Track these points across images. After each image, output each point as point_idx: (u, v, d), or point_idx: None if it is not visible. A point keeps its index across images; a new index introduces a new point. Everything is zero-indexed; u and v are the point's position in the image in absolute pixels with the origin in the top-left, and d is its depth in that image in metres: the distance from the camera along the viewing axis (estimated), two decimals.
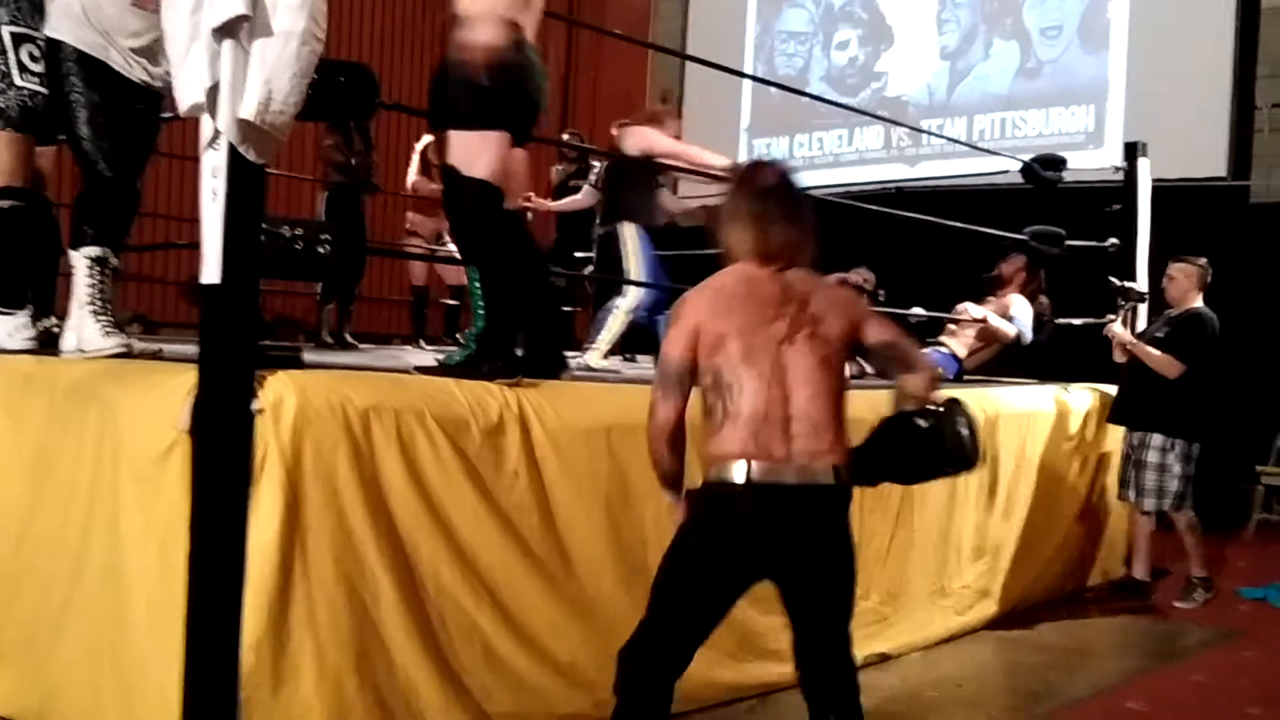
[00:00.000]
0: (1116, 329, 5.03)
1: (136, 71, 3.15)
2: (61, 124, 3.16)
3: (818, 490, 2.18)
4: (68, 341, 3.07)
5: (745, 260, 2.29)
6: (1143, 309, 5.39)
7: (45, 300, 3.48)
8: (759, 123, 9.92)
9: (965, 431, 2.36)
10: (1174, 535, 4.93)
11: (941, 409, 2.37)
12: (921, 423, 2.36)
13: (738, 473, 2.15)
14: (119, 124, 3.11)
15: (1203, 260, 4.94)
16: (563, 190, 6.73)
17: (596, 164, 6.93)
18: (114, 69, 3.10)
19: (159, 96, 3.23)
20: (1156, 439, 4.76)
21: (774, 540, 2.17)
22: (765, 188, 2.33)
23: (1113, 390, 5.16)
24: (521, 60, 3.02)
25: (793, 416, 2.17)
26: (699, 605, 2.22)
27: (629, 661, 2.20)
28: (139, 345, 3.10)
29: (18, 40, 3.23)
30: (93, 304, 3.03)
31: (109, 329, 3.01)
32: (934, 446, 2.36)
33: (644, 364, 6.07)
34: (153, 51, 3.15)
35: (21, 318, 3.33)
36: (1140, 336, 5.01)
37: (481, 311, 3.09)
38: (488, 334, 3.01)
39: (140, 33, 3.14)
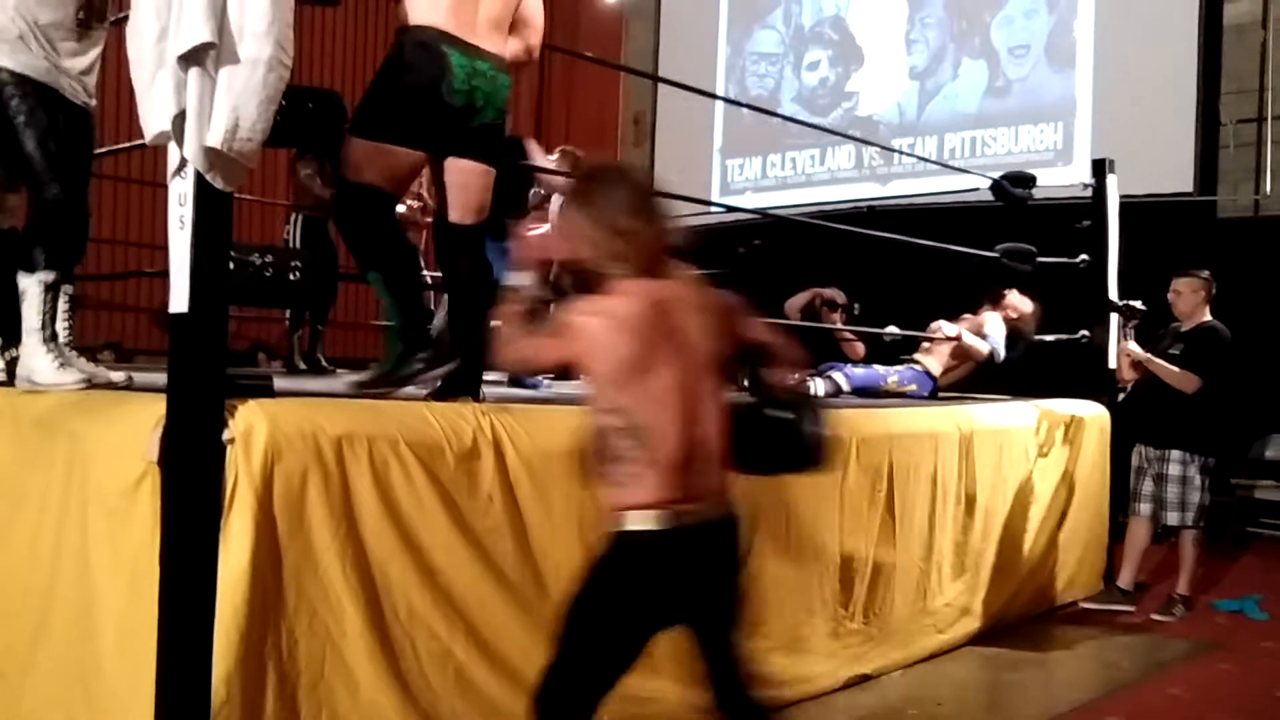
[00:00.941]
0: (1133, 347, 5.04)
1: (80, 95, 3.09)
2: (3, 148, 3.04)
3: (730, 522, 2.13)
4: (19, 369, 3.00)
5: (624, 277, 2.07)
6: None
7: (12, 329, 3.41)
8: (731, 144, 9.97)
9: (818, 430, 2.30)
10: (1163, 550, 4.95)
11: (798, 404, 2.32)
12: (775, 414, 2.29)
13: (659, 520, 2.02)
14: (68, 147, 3.03)
15: (1206, 272, 5.00)
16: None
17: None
18: (62, 94, 3.03)
19: (92, 115, 3.18)
20: (1176, 453, 4.81)
21: (697, 582, 2.10)
22: (629, 192, 2.11)
23: (1085, 405, 5.19)
24: (414, 60, 2.90)
25: (701, 454, 2.06)
26: (619, 658, 2.12)
27: (545, 713, 2.10)
28: (106, 374, 3.05)
29: None
30: (43, 330, 2.95)
31: (63, 361, 2.94)
32: (785, 441, 2.29)
33: None
34: (90, 69, 3.11)
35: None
36: (1152, 352, 5.03)
37: (395, 310, 3.05)
38: (407, 329, 3.01)
39: (84, 53, 3.09)
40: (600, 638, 2.10)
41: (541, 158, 4.95)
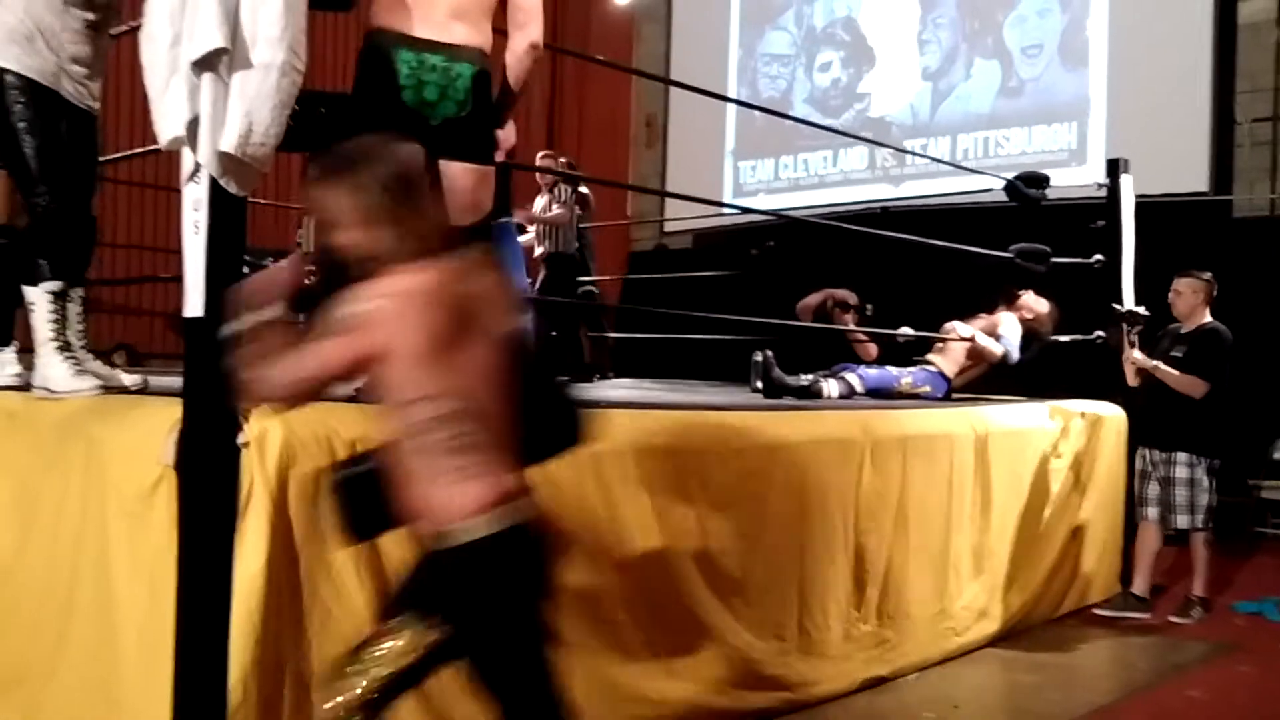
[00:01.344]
0: (1138, 355, 4.98)
1: (85, 99, 3.10)
2: (3, 152, 3.04)
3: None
4: (35, 378, 2.99)
5: (404, 258, 1.86)
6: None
7: (3, 331, 3.42)
8: (743, 145, 9.97)
9: (579, 403, 2.20)
10: (1175, 552, 4.92)
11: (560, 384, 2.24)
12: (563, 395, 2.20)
13: (512, 515, 1.83)
14: (67, 153, 3.02)
15: (1208, 274, 4.96)
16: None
17: (584, 189, 6.96)
18: (64, 97, 3.02)
19: (95, 119, 3.18)
20: (1183, 456, 4.77)
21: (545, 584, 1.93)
22: (399, 168, 1.91)
23: (1101, 406, 5.16)
24: (365, 66, 2.86)
25: (510, 443, 1.89)
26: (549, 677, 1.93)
27: None
28: (120, 378, 3.05)
29: None
30: (57, 340, 2.95)
31: (79, 368, 2.94)
32: (560, 422, 2.16)
33: (620, 383, 6.08)
34: (95, 73, 3.11)
35: (7, 354, 3.31)
36: (1153, 354, 4.99)
37: None
38: None
39: (90, 56, 3.08)
40: (522, 667, 1.89)
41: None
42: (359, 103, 2.90)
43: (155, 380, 3.18)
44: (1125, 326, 5.13)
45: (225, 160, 2.27)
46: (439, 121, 2.90)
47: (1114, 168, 5.72)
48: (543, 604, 1.93)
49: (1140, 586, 4.96)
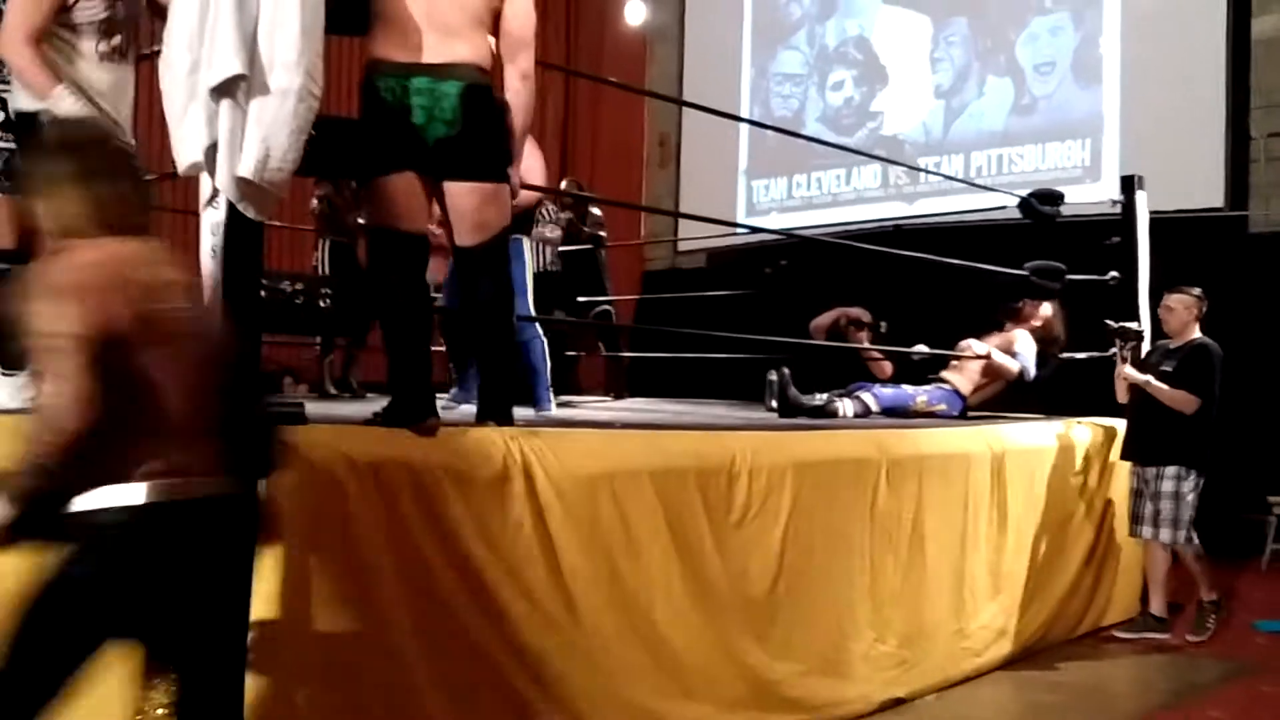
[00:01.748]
0: (1130, 371, 4.92)
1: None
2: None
3: (231, 503, 1.90)
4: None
5: (89, 232, 1.84)
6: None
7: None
8: (756, 165, 9.98)
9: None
10: (1184, 568, 4.88)
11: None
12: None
13: (149, 493, 1.78)
14: None
15: (1198, 290, 4.93)
16: (569, 240, 6.73)
17: (597, 210, 6.97)
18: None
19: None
20: (1170, 469, 4.72)
21: (178, 575, 1.84)
22: (89, 143, 1.94)
23: (1118, 424, 5.14)
24: (362, 98, 2.89)
25: (196, 425, 1.84)
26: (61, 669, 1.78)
27: None
28: None
29: None
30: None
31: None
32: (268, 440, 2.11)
33: (635, 403, 6.07)
34: (117, 103, 3.17)
35: (23, 378, 3.34)
36: (1143, 370, 4.95)
37: (391, 360, 3.01)
38: (394, 375, 2.94)
39: (108, 88, 3.10)
40: (48, 640, 1.77)
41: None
42: (364, 133, 2.91)
43: None
44: (1118, 342, 5.07)
45: (243, 185, 2.29)
46: (434, 143, 2.88)
47: (1129, 184, 5.71)
48: (200, 583, 1.85)
49: (1157, 606, 4.90)
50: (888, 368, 5.81)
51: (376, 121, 2.87)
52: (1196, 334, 4.88)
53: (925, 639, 3.94)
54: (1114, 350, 5.15)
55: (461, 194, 2.97)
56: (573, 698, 2.80)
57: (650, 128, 11.09)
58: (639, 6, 10.99)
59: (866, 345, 5.80)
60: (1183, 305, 4.89)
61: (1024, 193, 5.63)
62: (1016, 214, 5.64)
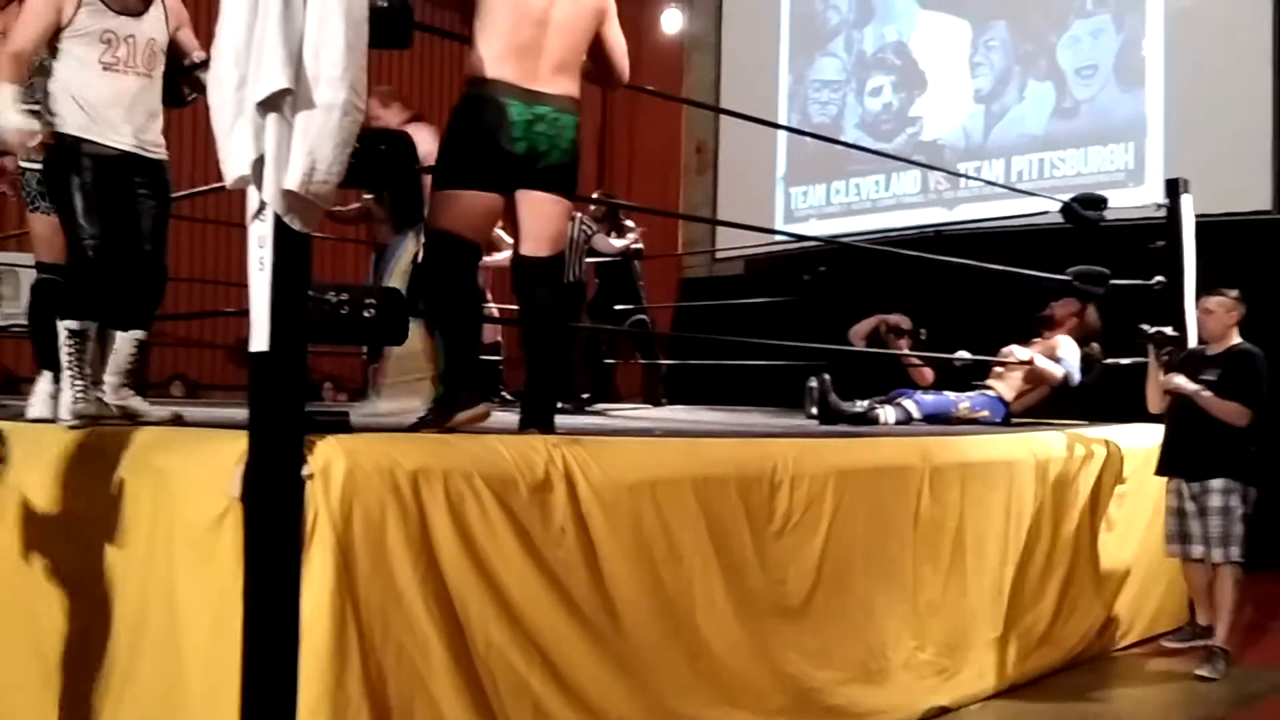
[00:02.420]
0: (1181, 381, 4.54)
1: (125, 140, 3.23)
2: (57, 208, 3.27)
3: None
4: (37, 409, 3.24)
5: None
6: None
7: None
8: (795, 171, 9.96)
9: None
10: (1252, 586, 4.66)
11: None
12: None
13: None
14: (112, 205, 3.20)
15: (1236, 291, 4.67)
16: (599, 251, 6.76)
17: (629, 221, 6.98)
18: (102, 144, 3.18)
19: (160, 163, 3.31)
20: (1218, 483, 4.43)
21: None
22: None
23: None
24: (476, 114, 3.06)
25: None
26: None
27: None
28: (139, 409, 3.21)
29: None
30: (69, 371, 3.16)
31: (82, 398, 3.14)
32: None
33: (675, 410, 6.08)
34: (127, 112, 3.24)
35: (53, 386, 3.40)
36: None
37: (443, 354, 3.15)
38: (449, 374, 3.11)
39: (111, 96, 3.21)
40: None
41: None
42: (463, 146, 3.07)
43: (213, 412, 3.26)
44: (1151, 349, 4.79)
45: (289, 198, 2.32)
46: (543, 167, 3.11)
47: (1173, 187, 5.64)
48: None
49: (1205, 617, 4.72)
50: (929, 374, 5.78)
51: (493, 139, 3.04)
52: (1237, 339, 4.62)
53: (968, 647, 3.91)
54: (1025, 351, 4.95)
55: (547, 208, 3.17)
56: (613, 706, 2.81)
57: (687, 135, 11.10)
58: (675, 15, 11.02)
59: (907, 352, 5.77)
60: (1223, 308, 4.62)
61: (1066, 197, 5.57)
62: (1059, 219, 5.58)
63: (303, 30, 2.34)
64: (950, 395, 5.33)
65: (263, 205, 2.34)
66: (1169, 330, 4.90)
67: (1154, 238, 5.64)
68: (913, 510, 3.74)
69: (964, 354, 5.56)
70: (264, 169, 2.32)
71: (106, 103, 3.19)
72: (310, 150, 2.34)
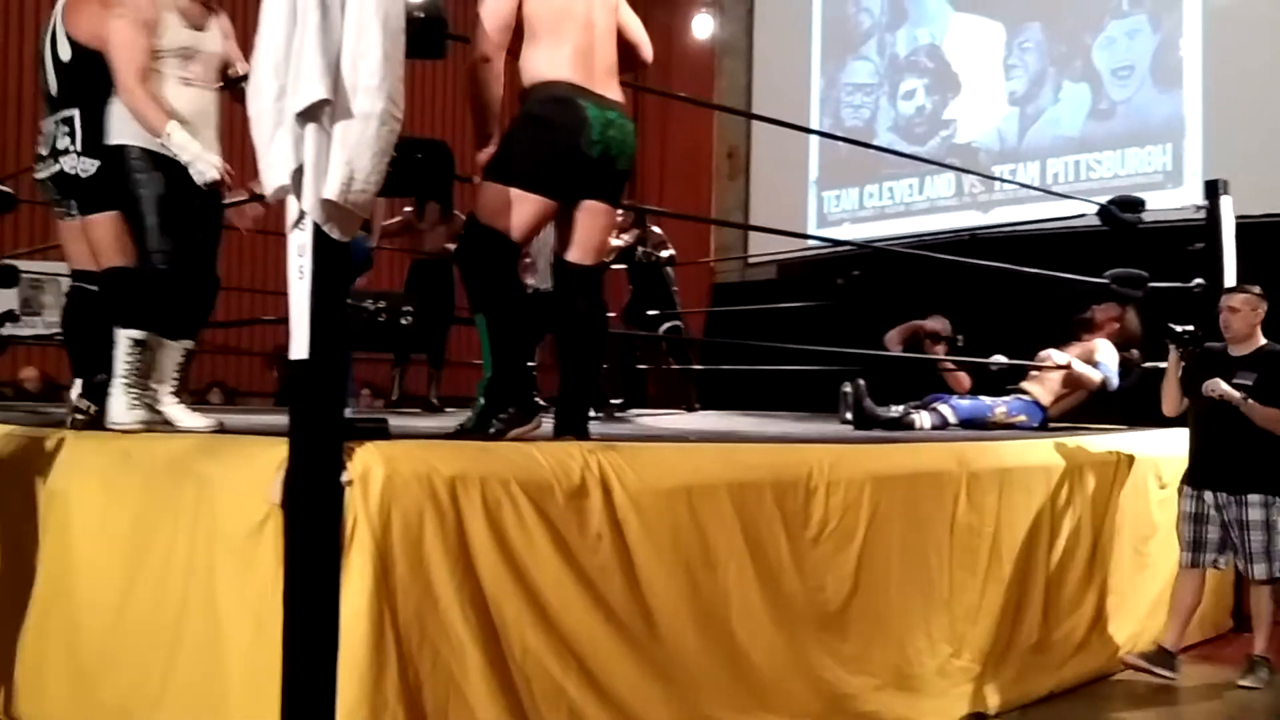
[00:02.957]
0: (1226, 388, 4.21)
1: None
2: (128, 219, 3.32)
3: None
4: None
5: None
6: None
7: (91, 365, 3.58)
8: (827, 175, 9.93)
9: None
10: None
11: None
12: None
13: None
14: (183, 217, 3.26)
15: (1258, 288, 4.43)
16: (628, 256, 6.76)
17: (656, 229, 6.98)
18: (173, 158, 3.23)
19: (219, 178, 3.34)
20: (1256, 497, 4.21)
21: None
22: None
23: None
24: (551, 115, 3.00)
25: None
26: None
27: None
28: (184, 419, 3.27)
29: (59, 125, 3.40)
30: (126, 379, 3.21)
31: (134, 404, 3.20)
32: None
33: (708, 416, 6.06)
34: (200, 126, 3.30)
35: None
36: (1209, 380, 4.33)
37: (488, 361, 3.06)
38: (495, 384, 3.02)
39: (189, 113, 3.28)
40: None
41: None
42: (536, 146, 3.00)
43: (250, 419, 3.29)
44: (1172, 349, 4.56)
45: (328, 207, 2.34)
46: (610, 173, 3.10)
47: (1213, 188, 5.57)
48: None
49: (1173, 640, 4.34)
50: (966, 380, 5.74)
51: (570, 140, 2.99)
52: (1261, 339, 4.37)
53: (1005, 654, 3.88)
54: (1063, 355, 4.76)
55: (601, 220, 3.16)
56: (649, 712, 2.81)
57: (719, 140, 11.10)
58: (707, 20, 11.03)
59: (943, 356, 5.74)
60: (1249, 306, 4.36)
61: (1103, 200, 5.52)
62: (1095, 221, 5.53)
63: (341, 41, 2.37)
64: (986, 400, 5.30)
65: (302, 214, 2.36)
66: (1191, 327, 4.67)
67: (1193, 239, 5.58)
68: (949, 516, 3.72)
69: (1000, 358, 5.52)
70: (303, 178, 2.35)
71: (184, 118, 3.24)
72: (349, 160, 2.37)
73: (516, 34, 3.07)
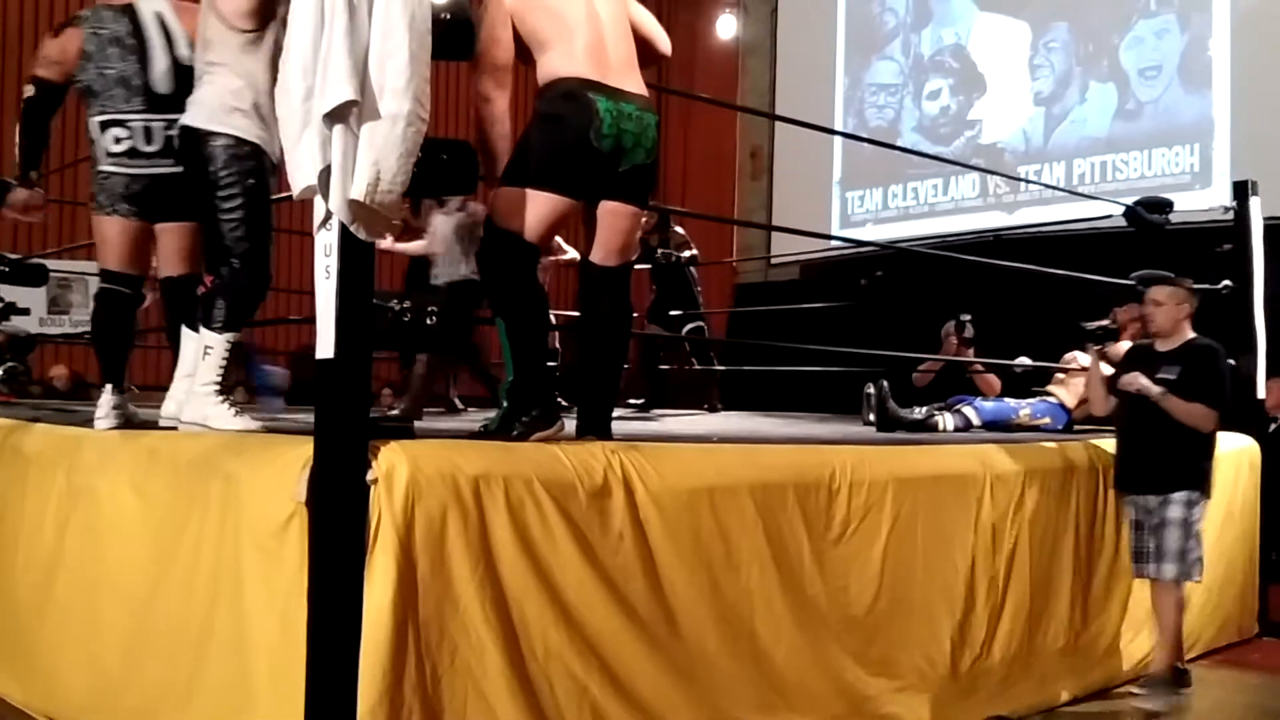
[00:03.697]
0: (1144, 382, 4.03)
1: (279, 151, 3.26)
2: (203, 212, 3.26)
3: None
4: (176, 411, 3.21)
5: None
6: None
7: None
8: (851, 175, 9.91)
9: None
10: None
11: None
12: None
13: None
14: (267, 216, 3.23)
15: (1189, 280, 4.23)
16: (649, 257, 6.76)
17: (679, 229, 6.98)
18: (272, 156, 3.19)
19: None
20: (1179, 495, 4.00)
21: None
22: None
23: (1237, 438, 4.95)
24: (561, 111, 2.97)
25: None
26: None
27: None
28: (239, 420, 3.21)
29: (104, 126, 3.35)
30: (216, 384, 3.15)
31: (237, 410, 3.15)
32: None
33: (730, 417, 6.05)
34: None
35: (117, 397, 3.46)
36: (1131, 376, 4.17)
37: (510, 363, 3.05)
38: (517, 386, 2.99)
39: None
40: None
41: None
42: (546, 144, 2.98)
43: (279, 417, 3.30)
44: (1090, 346, 4.46)
45: (355, 208, 2.36)
46: (626, 168, 3.03)
47: (1241, 189, 5.52)
48: None
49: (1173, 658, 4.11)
50: (996, 383, 5.69)
51: (579, 135, 2.95)
52: (1190, 333, 4.16)
53: (1030, 657, 3.86)
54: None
55: (628, 217, 3.12)
56: (671, 712, 2.81)
57: (742, 140, 11.10)
58: (730, 20, 11.02)
59: (971, 358, 5.70)
60: (1173, 299, 4.14)
61: (1130, 200, 5.48)
62: (1122, 222, 5.49)
63: (368, 43, 2.39)
64: (1011, 402, 5.27)
65: (329, 215, 2.38)
66: (1107, 323, 4.60)
67: (1221, 241, 5.53)
68: (973, 518, 3.70)
69: (1025, 360, 5.48)
70: (330, 179, 2.36)
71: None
72: (375, 160, 2.38)
73: (527, 52, 3.06)
